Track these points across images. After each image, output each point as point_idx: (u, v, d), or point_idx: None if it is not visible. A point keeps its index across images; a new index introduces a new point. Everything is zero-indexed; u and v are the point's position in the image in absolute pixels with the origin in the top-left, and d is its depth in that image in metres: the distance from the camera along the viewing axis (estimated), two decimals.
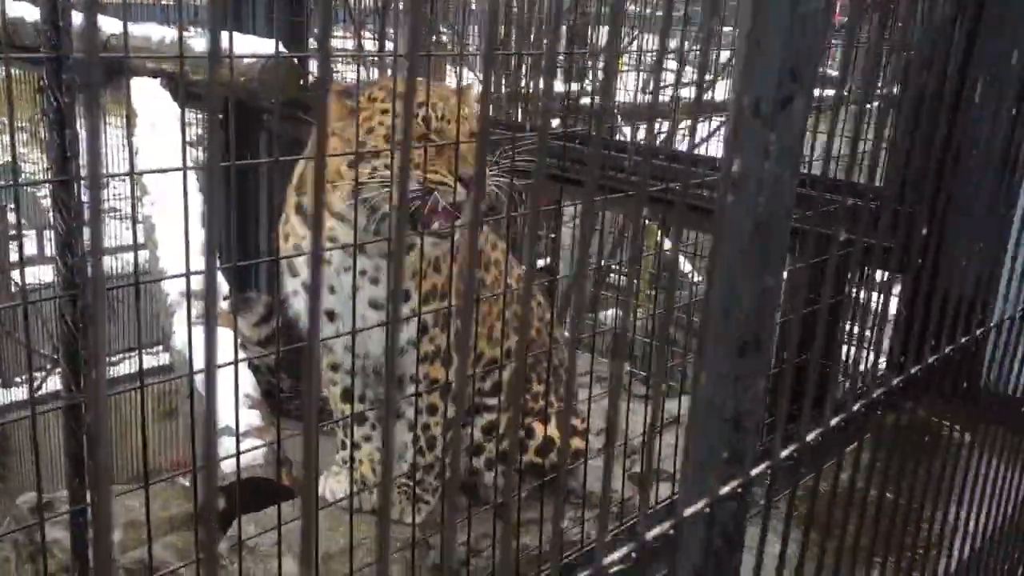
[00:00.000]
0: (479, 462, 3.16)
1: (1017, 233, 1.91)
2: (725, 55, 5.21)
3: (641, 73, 5.20)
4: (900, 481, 1.63)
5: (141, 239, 4.09)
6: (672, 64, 5.77)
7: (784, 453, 1.08)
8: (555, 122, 4.59)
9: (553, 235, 5.20)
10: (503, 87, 5.98)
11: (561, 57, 4.36)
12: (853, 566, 1.50)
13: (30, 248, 8.90)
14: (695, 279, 5.24)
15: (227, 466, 2.66)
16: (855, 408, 1.25)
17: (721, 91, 5.70)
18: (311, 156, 2.73)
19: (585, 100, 5.19)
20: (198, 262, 2.70)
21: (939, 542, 1.95)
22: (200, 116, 6.46)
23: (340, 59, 5.43)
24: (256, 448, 3.03)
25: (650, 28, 6.22)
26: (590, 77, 5.48)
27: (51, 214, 1.93)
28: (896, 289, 3.26)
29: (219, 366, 1.08)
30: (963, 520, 2.00)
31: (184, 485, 3.30)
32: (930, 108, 2.94)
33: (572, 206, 3.69)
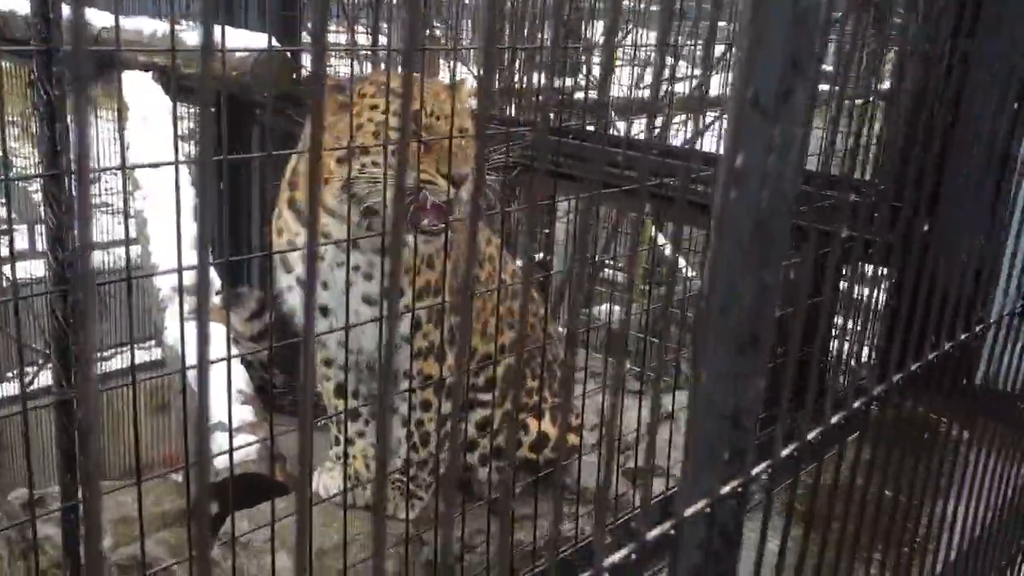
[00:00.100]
0: (473, 458, 3.15)
1: (1015, 229, 1.91)
2: (719, 49, 5.19)
3: (635, 68, 5.19)
4: (899, 477, 1.63)
5: (133, 234, 4.07)
6: (668, 59, 5.74)
7: (784, 452, 1.07)
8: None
9: (547, 230, 5.20)
10: (497, 82, 5.96)
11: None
12: (852, 560, 1.49)
13: (21, 243, 8.86)
14: (688, 274, 5.23)
15: (220, 462, 2.64)
16: (855, 405, 1.24)
17: (716, 86, 5.68)
18: (304, 151, 2.71)
19: (579, 95, 5.18)
20: (190, 257, 2.69)
21: (937, 536, 1.95)
22: (192, 110, 6.43)
23: (334, 53, 5.41)
24: (249, 444, 3.02)
25: (644, 23, 6.20)
26: (584, 72, 5.47)
27: (42, 208, 1.91)
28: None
29: (212, 361, 1.07)
30: (960, 514, 2.00)
31: (176, 481, 3.29)
32: (919, 104, 2.93)
33: (566, 201, 3.68)
